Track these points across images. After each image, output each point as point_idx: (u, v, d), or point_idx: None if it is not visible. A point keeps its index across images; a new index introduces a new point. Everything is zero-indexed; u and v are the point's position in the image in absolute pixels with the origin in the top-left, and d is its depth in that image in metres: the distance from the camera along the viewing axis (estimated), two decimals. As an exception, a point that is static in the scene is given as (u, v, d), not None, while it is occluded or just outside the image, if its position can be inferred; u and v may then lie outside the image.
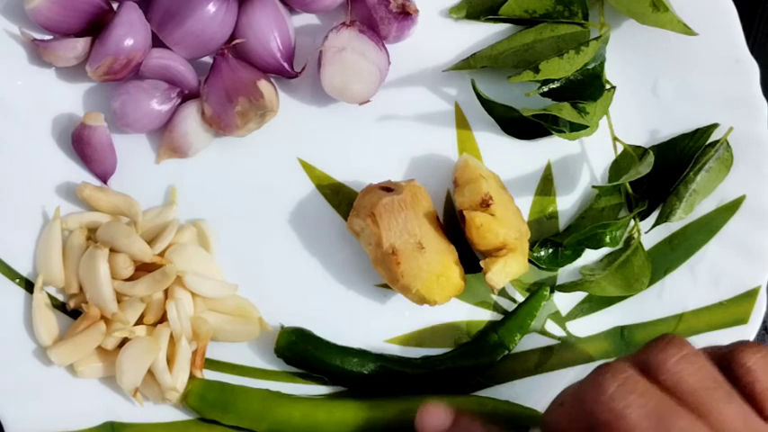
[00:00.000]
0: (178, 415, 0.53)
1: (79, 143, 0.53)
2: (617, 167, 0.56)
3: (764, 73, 0.55)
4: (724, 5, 0.54)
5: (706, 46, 0.54)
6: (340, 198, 0.55)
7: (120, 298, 0.51)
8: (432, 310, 0.53)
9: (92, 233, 0.53)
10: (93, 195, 0.53)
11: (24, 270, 0.52)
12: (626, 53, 0.55)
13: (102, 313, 0.51)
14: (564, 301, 0.56)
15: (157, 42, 0.52)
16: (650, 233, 0.55)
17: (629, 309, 0.55)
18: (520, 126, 0.54)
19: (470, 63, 0.55)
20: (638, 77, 0.56)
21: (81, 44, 0.51)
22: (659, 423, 0.35)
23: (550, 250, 0.55)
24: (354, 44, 0.52)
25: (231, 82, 0.52)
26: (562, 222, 0.56)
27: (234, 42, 0.52)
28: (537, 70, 0.51)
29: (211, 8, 0.51)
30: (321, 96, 0.54)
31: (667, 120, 0.56)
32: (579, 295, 0.56)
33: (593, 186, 0.55)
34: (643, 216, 0.56)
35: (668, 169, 0.55)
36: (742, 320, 0.54)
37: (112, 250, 0.51)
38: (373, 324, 0.55)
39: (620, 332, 0.55)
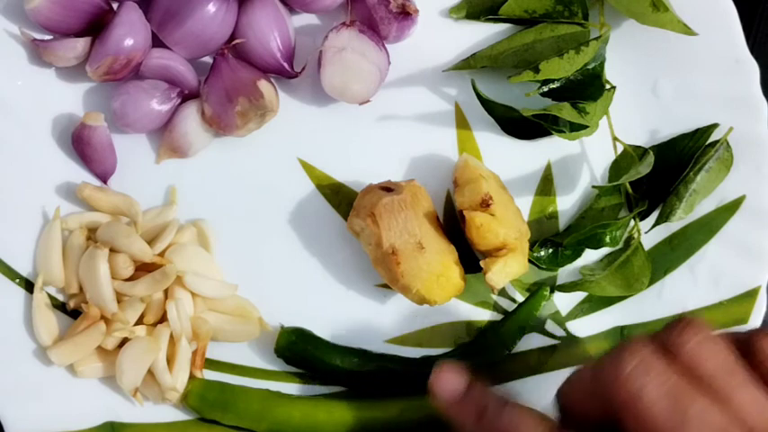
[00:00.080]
0: (178, 415, 0.53)
1: (79, 143, 0.53)
2: (617, 167, 0.56)
3: (764, 73, 0.55)
4: (724, 5, 0.54)
5: (706, 46, 0.54)
6: (340, 198, 0.55)
7: (120, 298, 0.51)
8: (432, 310, 0.53)
9: (92, 233, 0.53)
10: (93, 195, 0.53)
11: (24, 270, 0.52)
12: (626, 53, 0.55)
13: (102, 313, 0.51)
14: (564, 301, 0.56)
15: (157, 42, 0.52)
16: (650, 233, 0.55)
17: (629, 309, 0.55)
18: (520, 126, 0.54)
19: (470, 63, 0.55)
20: (638, 77, 0.56)
21: (81, 44, 0.51)
22: (675, 404, 0.35)
23: (550, 250, 0.55)
24: (354, 44, 0.52)
25: (231, 82, 0.52)
26: (562, 222, 0.56)
27: (234, 42, 0.52)
28: (537, 70, 0.51)
29: (211, 8, 0.51)
30: (321, 96, 0.54)
31: (667, 120, 0.56)
32: (579, 295, 0.56)
33: (593, 186, 0.55)
34: (643, 216, 0.56)
35: (668, 169, 0.55)
36: (742, 320, 0.54)
37: (112, 250, 0.51)
38: (373, 324, 0.55)
39: (621, 332, 0.55)
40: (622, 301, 0.55)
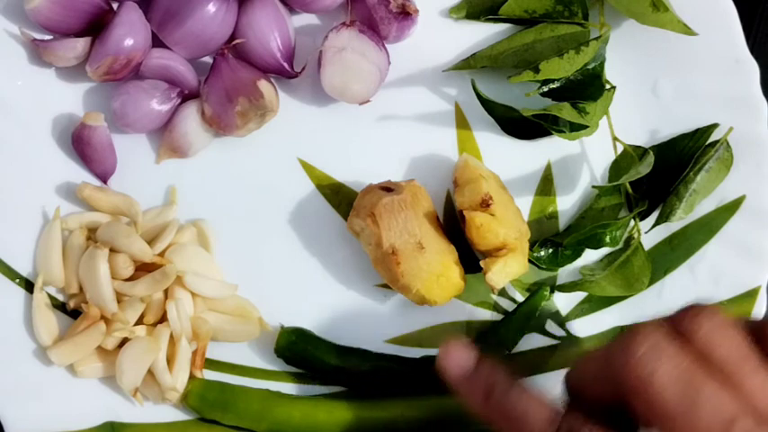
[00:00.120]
0: (178, 415, 0.53)
1: (79, 143, 0.53)
2: (617, 167, 0.56)
3: (764, 73, 0.55)
4: (724, 5, 0.54)
5: (706, 46, 0.54)
6: (340, 198, 0.55)
7: (120, 298, 0.51)
8: (432, 310, 0.53)
9: (92, 233, 0.53)
10: (93, 195, 0.53)
11: (24, 270, 0.52)
12: (626, 53, 0.55)
13: (102, 313, 0.51)
14: (564, 301, 0.56)
15: (157, 42, 0.52)
16: (650, 233, 0.55)
17: (629, 309, 0.55)
18: (520, 126, 0.54)
19: (470, 63, 0.55)
20: (638, 77, 0.56)
21: (81, 44, 0.51)
22: (687, 388, 0.34)
23: (550, 250, 0.55)
24: (354, 44, 0.52)
25: (231, 82, 0.52)
26: (562, 222, 0.56)
27: (234, 42, 0.52)
28: (537, 70, 0.51)
29: (211, 8, 0.51)
30: (321, 96, 0.54)
31: (667, 120, 0.56)
32: (579, 295, 0.55)
33: (593, 186, 0.55)
34: (643, 216, 0.56)
35: (668, 169, 0.55)
36: (742, 320, 0.54)
37: (112, 250, 0.51)
38: (373, 324, 0.55)
39: (621, 332, 0.55)
40: (622, 301, 0.55)
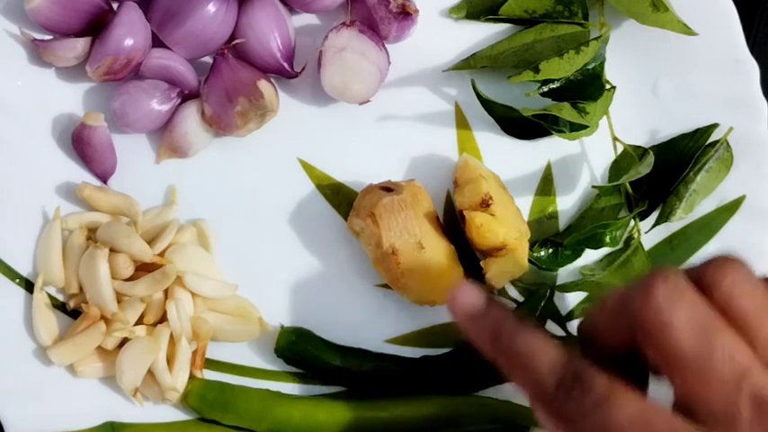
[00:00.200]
0: (178, 415, 0.53)
1: (79, 143, 0.53)
2: (617, 167, 0.56)
3: (764, 73, 0.55)
4: (724, 5, 0.54)
5: (706, 46, 0.54)
6: (340, 198, 0.55)
7: (120, 298, 0.51)
8: (432, 310, 0.53)
9: (92, 233, 0.53)
10: (93, 195, 0.53)
11: (24, 270, 0.52)
12: (626, 53, 0.55)
13: (102, 313, 0.51)
14: (564, 302, 0.56)
15: (157, 42, 0.52)
16: (650, 233, 0.55)
17: (629, 309, 0.55)
18: (520, 126, 0.54)
19: (470, 63, 0.55)
20: (638, 77, 0.56)
21: (81, 44, 0.51)
22: (702, 335, 0.34)
23: (550, 250, 0.55)
24: (354, 44, 0.52)
25: (231, 82, 0.52)
26: (562, 222, 0.56)
27: (234, 42, 0.52)
28: (537, 70, 0.51)
29: (211, 8, 0.51)
30: (321, 96, 0.54)
31: (667, 120, 0.56)
32: (579, 295, 0.55)
33: (593, 186, 0.55)
34: (643, 216, 0.56)
35: (668, 169, 0.55)
36: (742, 320, 0.54)
37: (112, 250, 0.51)
38: (373, 324, 0.55)
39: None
40: (622, 301, 0.55)
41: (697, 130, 0.55)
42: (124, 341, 0.51)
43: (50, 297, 0.52)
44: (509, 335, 0.39)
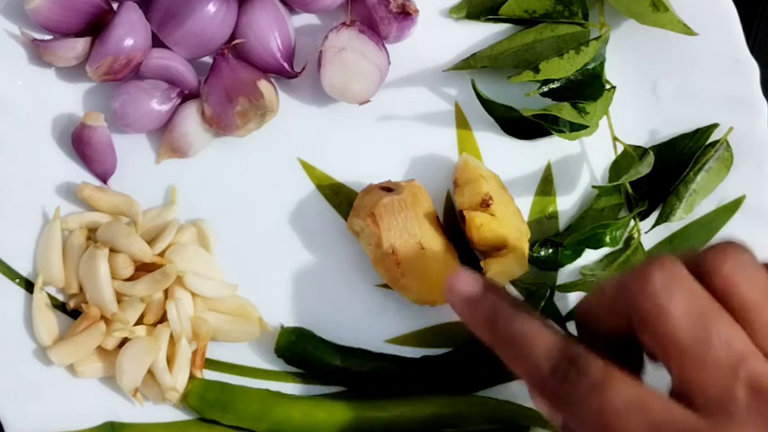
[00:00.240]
0: (178, 415, 0.53)
1: (79, 143, 0.53)
2: (617, 167, 0.56)
3: (764, 73, 0.55)
4: (724, 5, 0.54)
5: (706, 46, 0.54)
6: (340, 198, 0.55)
7: (120, 298, 0.51)
8: (432, 310, 0.53)
9: (92, 233, 0.53)
10: (93, 195, 0.53)
11: (24, 270, 0.52)
12: (626, 53, 0.55)
13: (102, 313, 0.51)
14: (564, 302, 0.56)
15: (157, 42, 0.52)
16: (650, 233, 0.55)
17: (629, 309, 0.55)
18: (520, 126, 0.54)
19: (470, 63, 0.55)
20: (638, 77, 0.56)
21: (81, 44, 0.51)
22: (698, 322, 0.34)
23: (550, 250, 0.55)
24: (354, 44, 0.52)
25: (231, 82, 0.52)
26: (562, 222, 0.56)
27: (234, 42, 0.52)
28: (537, 70, 0.51)
29: (211, 8, 0.51)
30: (321, 96, 0.54)
31: (667, 120, 0.56)
32: (579, 295, 0.55)
33: (593, 186, 0.55)
34: (643, 216, 0.56)
35: (668, 169, 0.55)
36: (742, 320, 0.54)
37: (112, 250, 0.51)
38: (373, 324, 0.55)
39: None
40: (622, 301, 0.55)
41: (697, 130, 0.55)
42: (124, 341, 0.51)
43: (50, 297, 0.52)
44: (505, 320, 0.39)
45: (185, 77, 0.53)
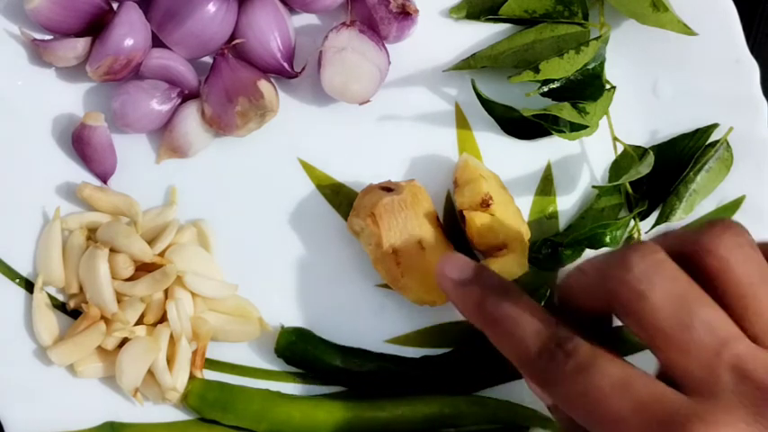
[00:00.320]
0: (178, 415, 0.53)
1: (79, 143, 0.53)
2: (617, 167, 0.56)
3: (764, 73, 0.55)
4: (724, 5, 0.54)
5: (706, 46, 0.54)
6: (340, 198, 0.55)
7: (120, 298, 0.51)
8: (432, 310, 0.53)
9: (92, 233, 0.53)
10: (93, 195, 0.53)
11: (24, 270, 0.52)
12: (626, 53, 0.55)
13: (102, 313, 0.51)
14: (564, 301, 0.56)
15: (157, 42, 0.52)
16: (650, 233, 0.55)
17: (629, 309, 0.55)
18: (520, 126, 0.54)
19: (470, 63, 0.55)
20: (638, 77, 0.56)
21: (81, 44, 0.51)
22: (680, 308, 0.34)
23: (550, 250, 0.55)
24: (354, 44, 0.52)
25: (231, 82, 0.52)
26: (562, 222, 0.56)
27: (234, 42, 0.52)
28: (537, 70, 0.51)
29: (211, 8, 0.51)
30: (321, 96, 0.54)
31: (667, 120, 0.56)
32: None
33: (593, 186, 0.55)
34: (643, 216, 0.56)
35: (668, 169, 0.55)
36: (742, 320, 0.54)
37: (112, 250, 0.51)
38: (373, 324, 0.55)
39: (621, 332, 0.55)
40: (622, 301, 0.55)
41: (697, 130, 0.55)
42: (124, 341, 0.51)
43: (50, 297, 0.52)
44: (494, 303, 0.39)
45: (185, 77, 0.53)
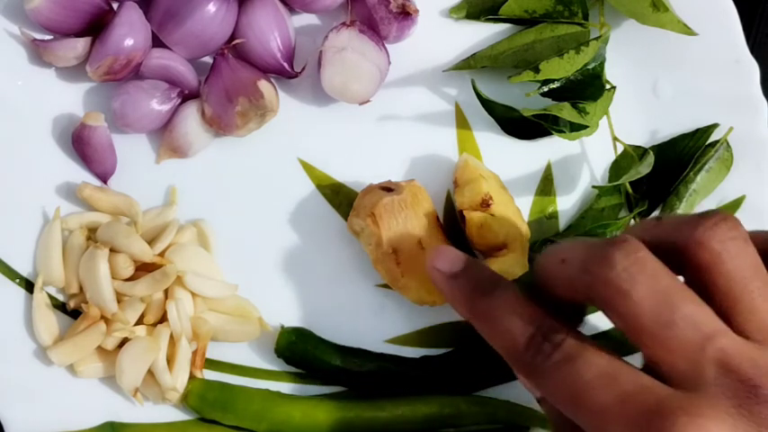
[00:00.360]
0: (178, 415, 0.53)
1: (79, 143, 0.53)
2: (617, 167, 0.56)
3: (764, 73, 0.55)
4: (724, 5, 0.54)
5: (706, 46, 0.54)
6: (340, 198, 0.55)
7: (120, 298, 0.51)
8: (432, 310, 0.53)
9: (92, 233, 0.53)
10: (93, 195, 0.53)
11: (24, 270, 0.52)
12: (626, 53, 0.55)
13: (102, 313, 0.51)
14: (564, 301, 0.56)
15: (157, 42, 0.52)
16: (648, 229, 0.55)
17: (629, 309, 0.55)
18: (520, 126, 0.54)
19: (470, 63, 0.55)
20: (638, 77, 0.56)
21: (81, 44, 0.51)
22: (664, 304, 0.34)
23: (550, 250, 0.55)
24: (354, 44, 0.52)
25: (231, 82, 0.52)
26: (562, 222, 0.56)
27: (234, 42, 0.52)
28: (537, 70, 0.51)
29: (211, 8, 0.51)
30: (321, 96, 0.54)
31: (667, 120, 0.56)
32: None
33: (594, 186, 0.55)
34: (643, 216, 0.56)
35: (668, 169, 0.55)
36: (742, 320, 0.54)
37: (112, 250, 0.51)
38: (373, 324, 0.55)
39: (621, 332, 0.55)
40: (622, 301, 0.55)
41: (697, 130, 0.55)
42: (124, 341, 0.51)
43: (50, 297, 0.52)
44: (483, 296, 0.39)
45: (185, 77, 0.53)
